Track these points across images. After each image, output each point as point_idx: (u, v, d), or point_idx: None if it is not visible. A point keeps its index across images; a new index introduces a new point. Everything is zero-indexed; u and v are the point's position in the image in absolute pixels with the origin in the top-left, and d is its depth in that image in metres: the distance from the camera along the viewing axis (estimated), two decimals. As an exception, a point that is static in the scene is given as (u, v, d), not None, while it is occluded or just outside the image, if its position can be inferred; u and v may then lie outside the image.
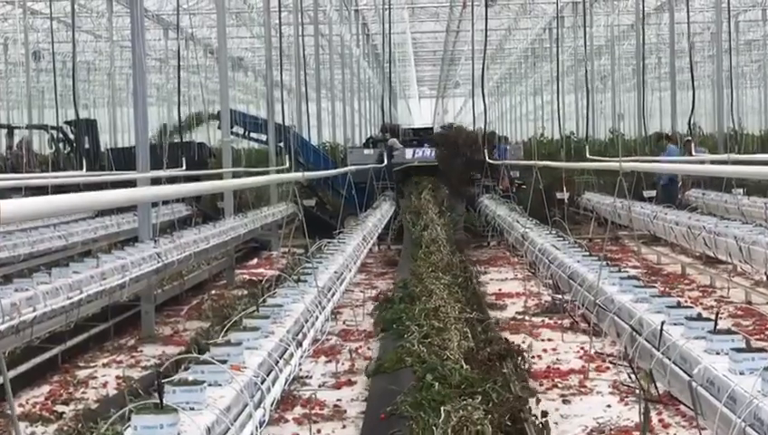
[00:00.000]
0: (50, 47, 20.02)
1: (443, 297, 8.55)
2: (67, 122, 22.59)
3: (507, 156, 20.25)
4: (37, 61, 30.43)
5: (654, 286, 7.22)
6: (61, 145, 22.45)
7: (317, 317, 6.98)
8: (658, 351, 5.41)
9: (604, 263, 7.77)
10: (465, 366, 6.23)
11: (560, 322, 10.38)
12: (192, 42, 29.77)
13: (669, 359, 5.23)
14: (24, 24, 25.57)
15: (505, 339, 8.06)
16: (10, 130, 24.25)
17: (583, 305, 7.63)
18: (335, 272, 8.90)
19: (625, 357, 6.24)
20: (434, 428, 5.02)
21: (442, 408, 5.21)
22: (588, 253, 9.33)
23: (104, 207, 9.56)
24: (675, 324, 5.56)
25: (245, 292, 10.86)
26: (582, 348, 9.08)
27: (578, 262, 8.69)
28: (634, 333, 6.01)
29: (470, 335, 7.31)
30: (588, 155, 15.46)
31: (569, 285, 8.46)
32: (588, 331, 8.31)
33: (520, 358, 7.36)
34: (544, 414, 6.13)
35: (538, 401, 6.50)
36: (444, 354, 6.52)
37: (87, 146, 21.65)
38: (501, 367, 6.77)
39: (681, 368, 5.08)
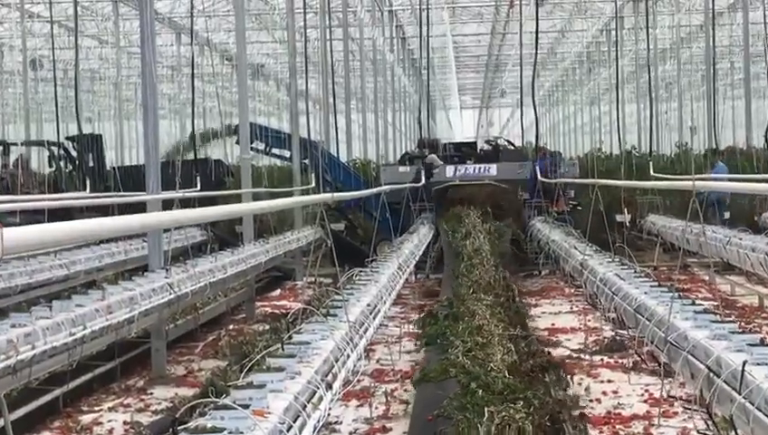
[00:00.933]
0: (50, 54, 20.19)
1: (486, 317, 9.29)
2: (69, 138, 22.73)
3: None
4: (36, 69, 30.72)
5: (733, 321, 7.13)
6: (62, 163, 22.59)
7: (348, 356, 6.95)
8: (740, 395, 5.34)
9: (675, 294, 7.68)
10: (507, 376, 7.04)
11: (621, 361, 10.28)
12: (207, 47, 29.95)
13: (752, 404, 5.16)
14: (21, 28, 25.83)
15: (548, 352, 8.92)
16: (6, 146, 24.44)
17: (652, 343, 7.54)
18: (368, 305, 8.88)
19: (700, 402, 6.16)
20: (479, 425, 5.84)
21: (486, 409, 6.04)
22: (656, 283, 9.25)
23: (114, 234, 9.58)
24: (758, 365, 5.50)
25: (267, 327, 10.84)
26: (647, 391, 9.00)
27: (645, 293, 8.61)
28: (711, 375, 5.93)
29: (513, 350, 8.07)
30: (652, 172, 15.37)
31: (635, 320, 8.38)
32: (655, 371, 8.22)
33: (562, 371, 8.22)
34: (582, 416, 6.97)
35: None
36: (488, 366, 7.33)
37: (91, 164, 21.78)
38: (543, 378, 7.64)
39: (766, 414, 5.02)
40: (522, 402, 6.23)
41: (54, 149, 22.64)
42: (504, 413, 5.97)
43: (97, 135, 24.65)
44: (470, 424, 5.89)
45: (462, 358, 7.64)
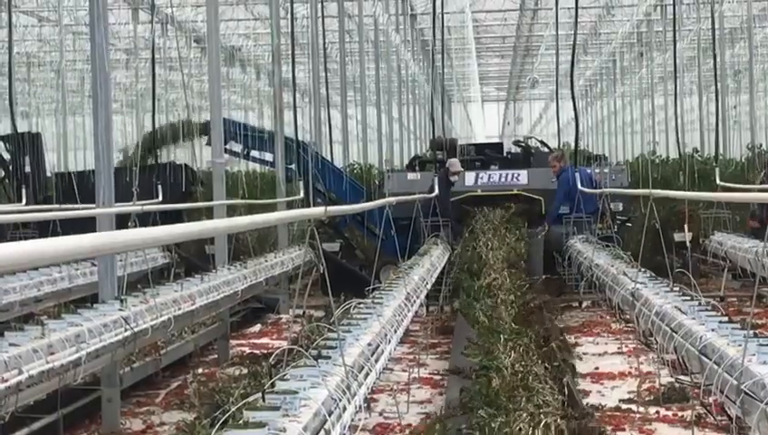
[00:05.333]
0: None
1: (497, 285, 14.06)
2: (0, 137, 22.76)
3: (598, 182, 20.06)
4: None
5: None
6: (-9, 168, 22.63)
7: (345, 408, 6.94)
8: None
9: (750, 332, 7.65)
10: (514, 325, 11.59)
11: (682, 413, 10.28)
12: (171, 26, 30.03)
13: None
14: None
15: (536, 297, 14.27)
16: None
17: (722, 392, 7.52)
18: (369, 344, 8.87)
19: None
20: (498, 344, 10.28)
21: (501, 337, 10.62)
22: (726, 318, 9.24)
23: (56, 260, 9.57)
24: None
25: (245, 371, 10.84)
26: (717, 451, 8.98)
27: (712, 331, 8.59)
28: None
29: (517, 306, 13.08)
30: (718, 181, 15.38)
31: (700, 363, 8.35)
32: (727, 427, 8.20)
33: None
34: (564, 338, 12.74)
35: None
36: (498, 318, 12.09)
37: (28, 169, 21.81)
38: (539, 316, 12.90)
39: None
40: (525, 337, 10.78)
41: (-18, 151, 22.69)
42: (514, 339, 10.55)
43: (35, 134, 24.68)
44: (492, 344, 10.36)
45: (482, 317, 12.23)
